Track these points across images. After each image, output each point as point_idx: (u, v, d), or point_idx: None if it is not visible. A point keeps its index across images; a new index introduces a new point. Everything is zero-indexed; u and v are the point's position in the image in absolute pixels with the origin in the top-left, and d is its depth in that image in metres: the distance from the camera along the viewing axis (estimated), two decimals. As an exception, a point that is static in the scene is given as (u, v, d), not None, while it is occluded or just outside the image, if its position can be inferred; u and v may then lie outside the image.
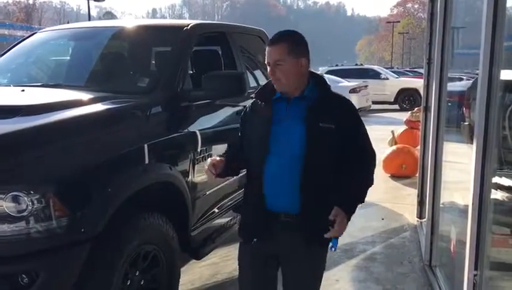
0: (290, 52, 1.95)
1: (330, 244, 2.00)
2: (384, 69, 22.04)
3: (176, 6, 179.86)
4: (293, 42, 1.98)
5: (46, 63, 3.85)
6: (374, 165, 2.13)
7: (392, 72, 22.43)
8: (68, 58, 3.80)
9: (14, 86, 3.22)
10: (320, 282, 2.16)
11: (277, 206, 2.02)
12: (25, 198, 1.94)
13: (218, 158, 2.12)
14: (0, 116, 2.37)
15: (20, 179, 1.99)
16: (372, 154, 2.11)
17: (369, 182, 2.08)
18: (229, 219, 3.77)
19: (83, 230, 2.10)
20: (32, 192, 1.95)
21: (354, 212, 2.01)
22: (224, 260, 3.89)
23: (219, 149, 3.31)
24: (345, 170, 2.01)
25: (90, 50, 3.76)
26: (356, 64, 23.09)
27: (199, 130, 3.07)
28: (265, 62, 2.02)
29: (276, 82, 2.00)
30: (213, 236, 3.36)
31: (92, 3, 38.58)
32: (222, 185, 3.47)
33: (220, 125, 3.43)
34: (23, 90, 2.96)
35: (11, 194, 1.93)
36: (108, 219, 2.22)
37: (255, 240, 2.09)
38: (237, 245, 4.12)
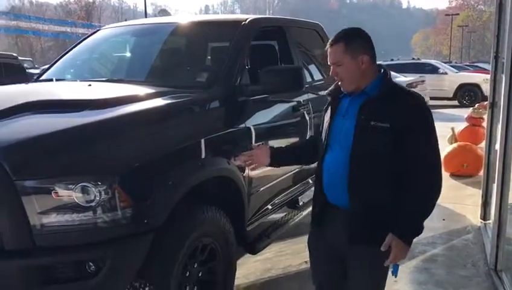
0: (347, 52, 1.95)
1: (391, 269, 1.99)
2: (443, 64, 21.17)
3: (228, 3, 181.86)
4: (348, 41, 1.96)
5: (109, 59, 3.99)
6: (436, 184, 1.91)
7: (451, 66, 21.52)
8: (129, 54, 3.91)
9: (80, 81, 3.36)
10: (380, 283, 2.08)
11: (333, 199, 2.06)
12: (93, 189, 2.01)
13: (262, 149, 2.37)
14: (70, 110, 2.48)
15: (88, 170, 2.05)
16: (433, 170, 1.91)
17: (425, 204, 1.91)
18: (283, 214, 3.76)
19: (146, 221, 2.15)
20: (99, 183, 2.02)
21: (413, 234, 1.93)
22: (278, 256, 3.89)
23: (275, 144, 3.30)
24: (404, 182, 1.90)
25: (150, 46, 3.84)
26: (413, 59, 22.29)
27: (256, 124, 3.07)
28: (329, 63, 2.03)
29: (340, 82, 2.03)
30: (268, 231, 3.36)
31: (148, 1, 39.73)
32: (277, 181, 3.46)
33: (277, 120, 3.41)
34: (89, 85, 3.07)
35: (80, 185, 1.99)
36: (170, 211, 2.27)
37: (316, 229, 2.20)
38: (292, 241, 4.14)
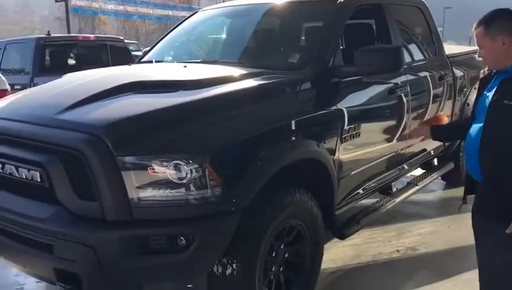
0: (486, 35, 2.04)
1: None
2: None
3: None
4: (488, 24, 2.04)
5: (204, 41, 4.10)
6: None
7: None
8: (224, 35, 3.98)
9: (177, 62, 3.49)
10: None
11: (472, 172, 2.17)
12: (185, 167, 2.09)
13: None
14: (166, 90, 2.59)
15: (181, 148, 2.14)
16: None
17: None
18: (375, 200, 3.64)
19: (234, 200, 2.20)
20: (191, 161, 2.09)
21: None
22: (368, 242, 3.79)
23: (368, 128, 3.20)
24: None
25: (244, 27, 3.88)
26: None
27: (348, 107, 2.97)
28: None
29: (484, 62, 2.13)
30: (358, 217, 3.27)
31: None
32: (369, 165, 3.34)
33: (371, 102, 3.28)
34: (185, 66, 3.18)
35: (173, 162, 2.09)
36: (258, 192, 2.29)
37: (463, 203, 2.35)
38: (383, 228, 4.02)
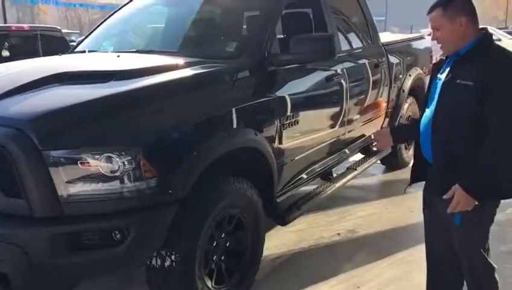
0: (444, 16, 2.02)
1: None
2: (497, 30, 19.95)
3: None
4: (446, 5, 2.02)
5: (141, 30, 3.99)
6: (509, 143, 1.92)
7: (507, 32, 20.23)
8: (161, 24, 3.90)
9: (111, 52, 3.39)
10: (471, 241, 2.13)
11: (425, 153, 2.20)
12: (117, 159, 2.04)
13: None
14: (96, 81, 2.51)
15: (113, 140, 2.09)
16: (502, 134, 1.92)
17: (494, 160, 1.94)
18: (316, 186, 3.71)
19: (170, 191, 2.17)
20: (123, 153, 2.05)
21: (476, 186, 1.96)
22: (311, 227, 3.87)
23: (308, 114, 3.24)
24: (483, 141, 1.94)
25: (180, 16, 3.81)
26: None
27: (286, 95, 3.01)
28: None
29: (441, 46, 2.11)
30: (299, 203, 3.33)
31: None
32: (310, 151, 3.40)
33: (309, 90, 3.33)
34: (118, 56, 3.09)
35: (105, 155, 2.03)
36: (195, 182, 2.28)
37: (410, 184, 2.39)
38: (324, 213, 4.12)
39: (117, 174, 2.06)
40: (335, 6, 3.96)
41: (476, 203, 1.98)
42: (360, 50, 4.23)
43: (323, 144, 3.60)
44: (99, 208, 2.08)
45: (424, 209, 2.34)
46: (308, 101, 3.32)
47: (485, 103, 1.91)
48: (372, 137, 2.45)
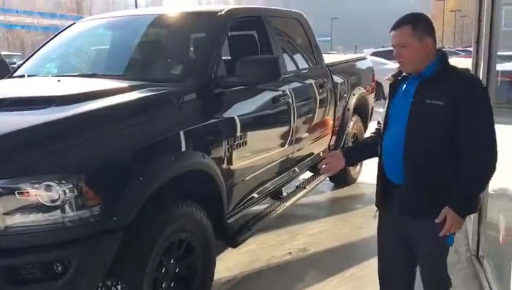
0: (414, 35, 2.04)
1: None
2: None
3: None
4: (416, 24, 2.05)
5: (84, 53, 3.92)
6: (488, 158, 1.98)
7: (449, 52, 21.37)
8: (105, 47, 3.84)
9: (52, 76, 3.29)
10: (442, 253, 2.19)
11: (392, 176, 2.19)
12: (58, 187, 1.97)
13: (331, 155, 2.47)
14: (35, 107, 2.43)
15: (52, 168, 2.01)
16: (485, 143, 1.97)
17: (478, 178, 1.99)
18: (266, 206, 3.73)
19: (115, 219, 2.11)
20: (64, 181, 1.98)
21: (467, 207, 2.01)
22: (263, 247, 3.87)
23: (256, 135, 3.27)
24: (462, 159, 1.98)
25: (127, 39, 3.77)
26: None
27: (233, 116, 3.02)
28: (391, 45, 2.13)
29: (402, 63, 2.12)
30: (249, 224, 3.33)
31: (140, -8, 39.23)
32: (260, 171, 3.43)
33: (256, 111, 3.37)
34: (59, 81, 3.01)
35: (44, 183, 1.95)
36: (141, 207, 2.23)
37: (377, 209, 2.32)
38: (275, 232, 4.13)
39: (58, 203, 1.98)
40: (279, 28, 4.05)
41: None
42: (306, 71, 4.34)
43: (273, 164, 3.64)
44: (40, 240, 1.99)
45: (380, 227, 2.34)
46: (256, 122, 3.36)
47: (457, 122, 1.97)
48: (323, 160, 2.42)
